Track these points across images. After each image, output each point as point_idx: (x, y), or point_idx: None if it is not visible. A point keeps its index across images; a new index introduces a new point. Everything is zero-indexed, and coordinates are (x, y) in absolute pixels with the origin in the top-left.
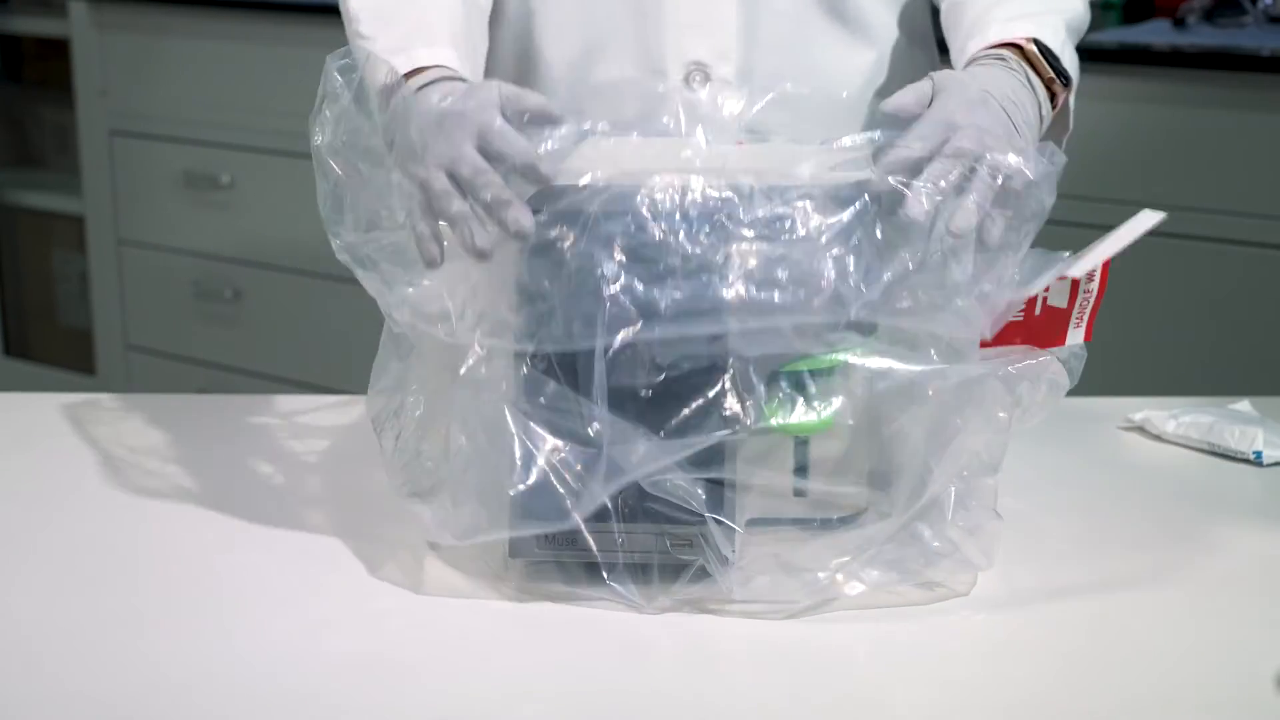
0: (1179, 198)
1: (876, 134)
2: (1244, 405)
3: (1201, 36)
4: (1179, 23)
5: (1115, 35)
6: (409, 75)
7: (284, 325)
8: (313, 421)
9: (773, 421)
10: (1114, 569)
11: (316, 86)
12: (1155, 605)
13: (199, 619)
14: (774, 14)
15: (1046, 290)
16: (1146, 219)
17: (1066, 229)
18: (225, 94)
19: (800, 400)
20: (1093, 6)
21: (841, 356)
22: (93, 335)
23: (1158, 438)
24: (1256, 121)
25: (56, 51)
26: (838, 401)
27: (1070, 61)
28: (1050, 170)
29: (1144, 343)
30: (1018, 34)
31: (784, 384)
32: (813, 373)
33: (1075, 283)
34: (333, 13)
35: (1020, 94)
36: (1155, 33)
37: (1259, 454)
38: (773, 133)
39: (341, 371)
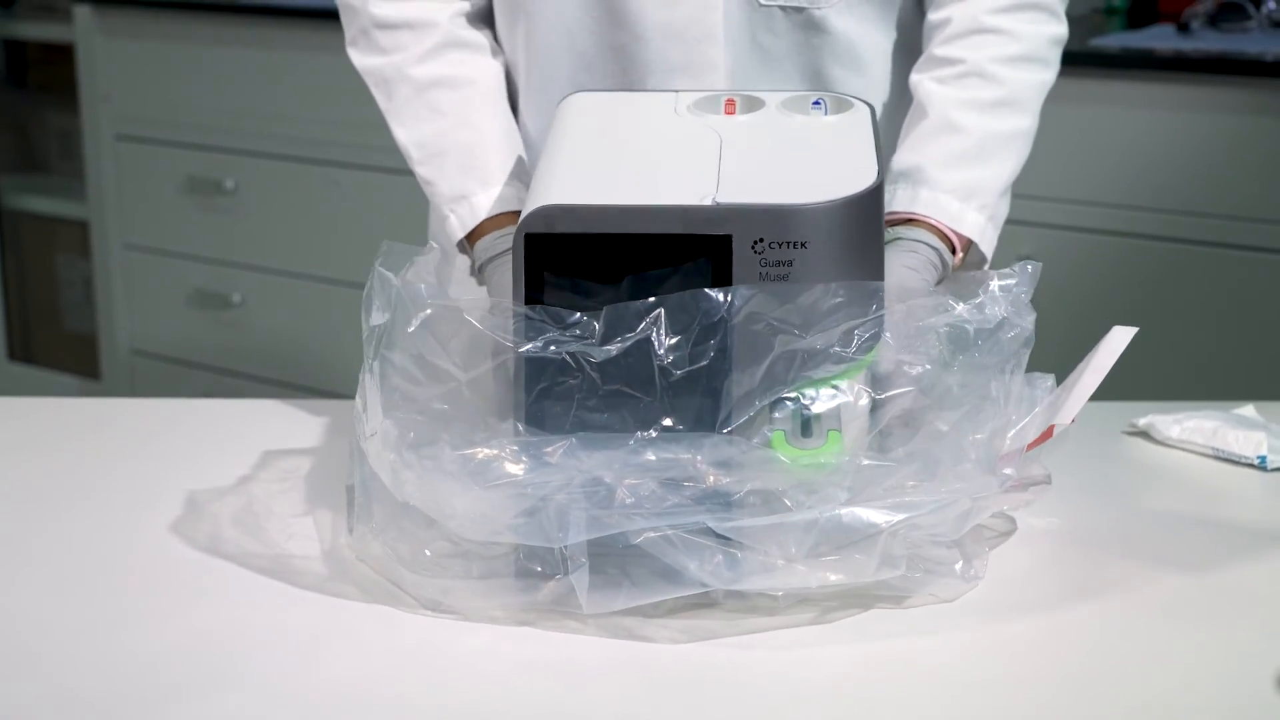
0: (1183, 202)
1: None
2: (1248, 410)
3: (1205, 41)
4: (1183, 28)
5: (1119, 40)
6: (474, 232)
7: (288, 330)
8: (316, 426)
9: (780, 454)
10: (1117, 573)
11: (321, 91)
12: (1159, 609)
13: (200, 623)
14: (762, 53)
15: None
16: (1120, 337)
17: (1071, 233)
18: (229, 99)
19: (804, 426)
20: (1096, 12)
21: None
22: (97, 339)
23: (1162, 442)
24: (1260, 126)
25: (61, 56)
26: (846, 424)
27: (990, 240)
28: (1019, 300)
29: (1148, 347)
30: (941, 220)
31: (788, 409)
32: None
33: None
34: (336, 17)
35: (917, 291)
36: (1159, 38)
37: (1263, 459)
38: (761, 93)
39: (344, 376)
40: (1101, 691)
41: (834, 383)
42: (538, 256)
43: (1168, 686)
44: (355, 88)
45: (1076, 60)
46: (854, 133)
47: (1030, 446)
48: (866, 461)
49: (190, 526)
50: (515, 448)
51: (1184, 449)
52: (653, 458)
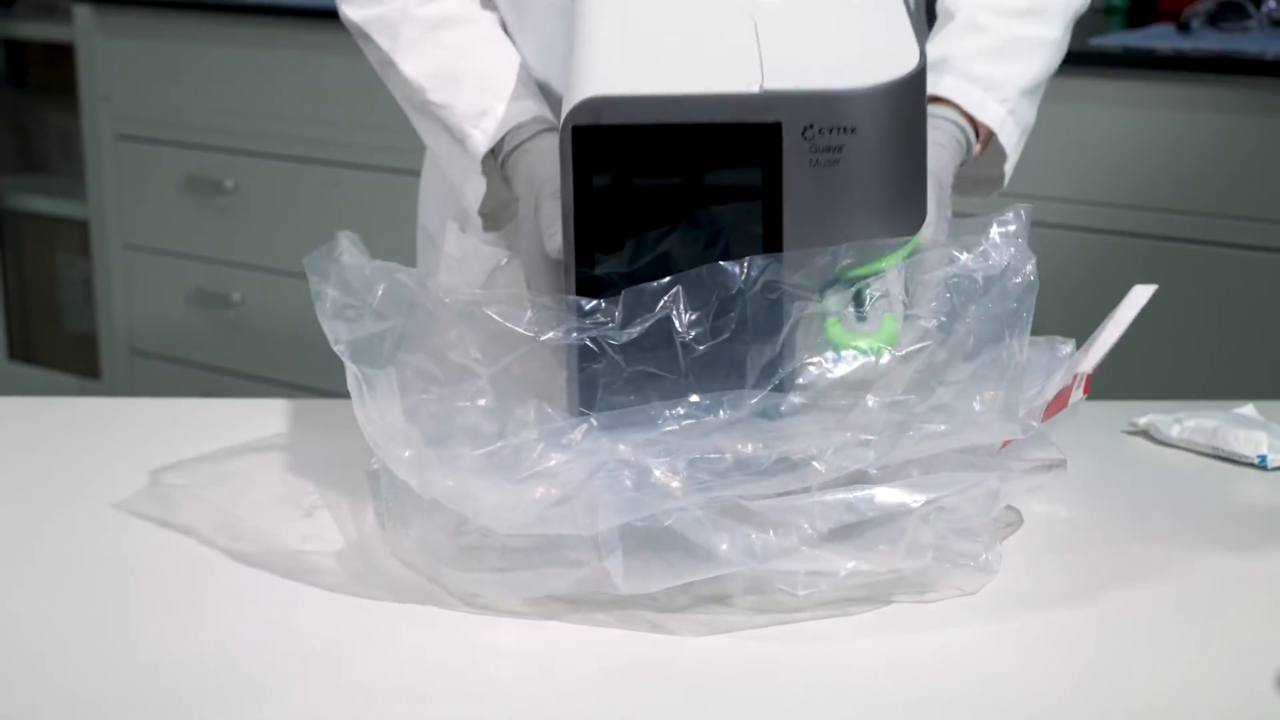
0: (1183, 202)
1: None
2: (1249, 409)
3: (1205, 40)
4: (1183, 27)
5: (1119, 39)
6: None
7: (288, 330)
8: (318, 425)
9: (833, 337)
10: (1118, 573)
11: (321, 91)
12: (1160, 609)
13: (199, 625)
14: None
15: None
16: (1141, 295)
17: (1073, 233)
18: (229, 99)
19: (859, 312)
20: (1096, 11)
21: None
22: (97, 339)
23: (1162, 442)
24: (1261, 125)
25: (61, 56)
26: (889, 296)
27: (1011, 136)
28: (1019, 244)
29: (1148, 347)
30: (964, 102)
31: (843, 293)
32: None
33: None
34: (335, 17)
35: (946, 166)
36: (1159, 37)
37: (1264, 458)
38: None
39: (345, 376)
40: (1100, 689)
41: (885, 268)
42: (584, 152)
43: (1166, 684)
44: (355, 87)
45: (1077, 59)
46: (888, 12)
47: (1052, 405)
48: (890, 405)
49: (197, 527)
50: (537, 437)
51: (1184, 448)
52: (679, 434)
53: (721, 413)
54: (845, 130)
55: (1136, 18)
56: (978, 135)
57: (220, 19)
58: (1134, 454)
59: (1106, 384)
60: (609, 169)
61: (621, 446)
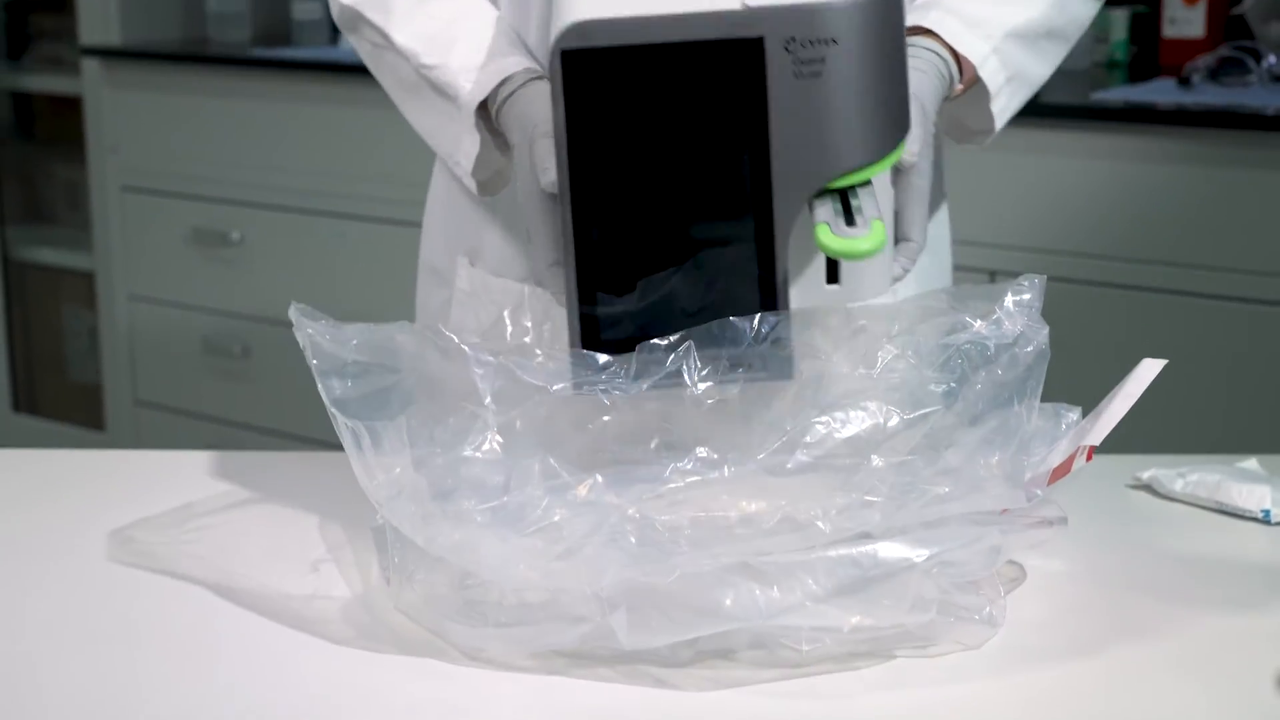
0: (1185, 255)
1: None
2: (1252, 463)
3: (1206, 95)
4: (1184, 82)
5: (1120, 94)
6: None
7: (293, 382)
8: (322, 479)
9: (821, 242)
10: (1122, 627)
11: (326, 144)
12: (1163, 664)
13: (204, 678)
14: None
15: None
16: (1149, 369)
17: (1076, 286)
18: (235, 151)
19: (844, 208)
20: (1097, 65)
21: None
22: (102, 390)
23: (1166, 496)
24: (1262, 179)
25: (68, 108)
26: (877, 203)
27: (994, 75)
28: (1032, 313)
29: (1151, 400)
30: (945, 34)
31: (829, 202)
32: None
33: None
34: (341, 71)
35: (928, 91)
36: (1160, 91)
37: (1267, 512)
38: None
39: None
40: None
41: (871, 175)
42: (574, 76)
43: None
44: (360, 140)
45: (1078, 113)
46: None
47: (1056, 471)
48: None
49: (202, 579)
50: (542, 492)
51: (1187, 503)
52: (684, 490)
53: (727, 469)
54: (827, 42)
55: (1138, 72)
56: (962, 72)
57: (226, 72)
58: (1137, 508)
59: (1109, 438)
60: (598, 91)
61: (626, 502)
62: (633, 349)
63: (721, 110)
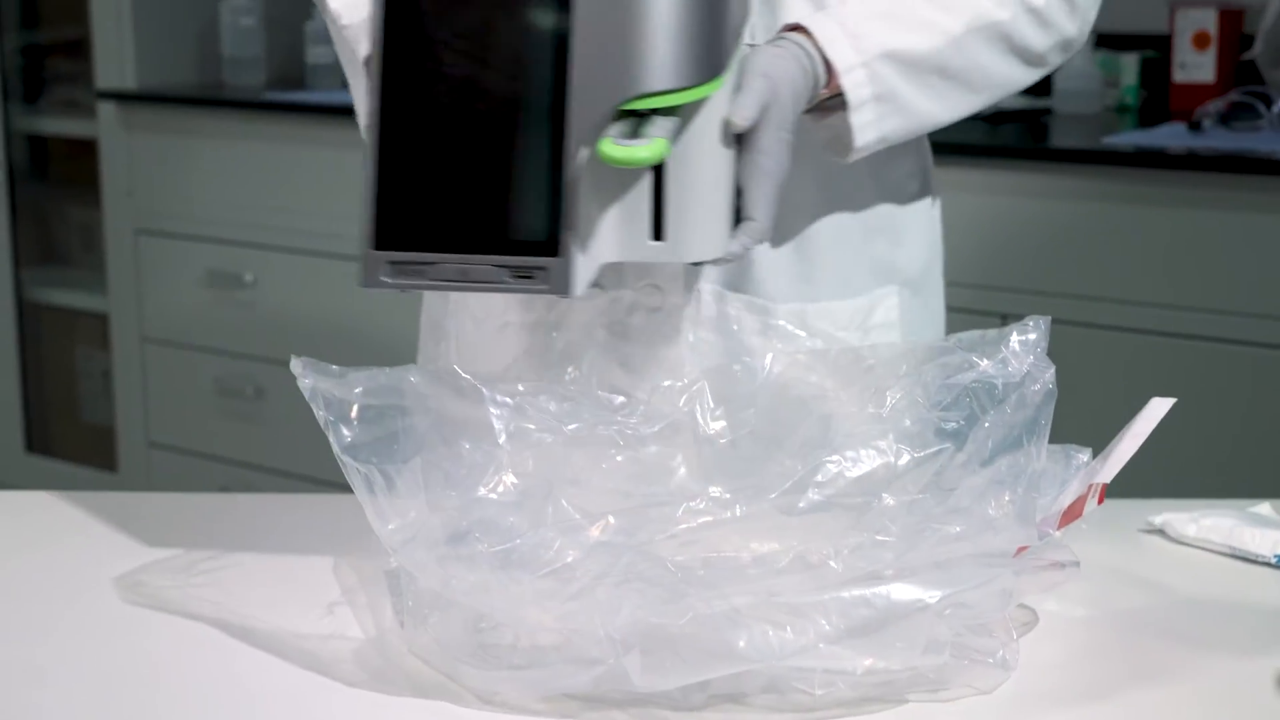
0: (1196, 299)
1: None
2: (1265, 508)
3: (1217, 140)
4: (1194, 126)
5: (1131, 138)
6: None
7: (306, 423)
8: (336, 521)
9: (602, 150)
10: (1134, 672)
11: (338, 186)
12: (1175, 708)
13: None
14: None
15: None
16: (1159, 407)
17: (1086, 329)
18: (249, 194)
19: (637, 132)
20: (1108, 110)
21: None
22: (115, 432)
23: (1179, 541)
24: (1272, 224)
25: (83, 151)
26: (672, 131)
27: (859, 89)
28: (1039, 353)
29: (1163, 445)
30: (819, 34)
31: (626, 123)
32: (661, 109)
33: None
34: (351, 114)
35: (782, 74)
36: (1171, 136)
37: None
38: None
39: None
40: None
41: (668, 103)
42: None
43: None
44: None
45: (1089, 157)
46: None
47: (1068, 514)
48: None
49: (216, 621)
50: (555, 533)
51: (1200, 547)
52: (696, 530)
53: (739, 509)
54: None
55: (1149, 117)
56: (830, 79)
57: (240, 116)
58: (1150, 553)
59: (1122, 483)
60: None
61: (639, 543)
62: (425, 249)
63: (529, 18)
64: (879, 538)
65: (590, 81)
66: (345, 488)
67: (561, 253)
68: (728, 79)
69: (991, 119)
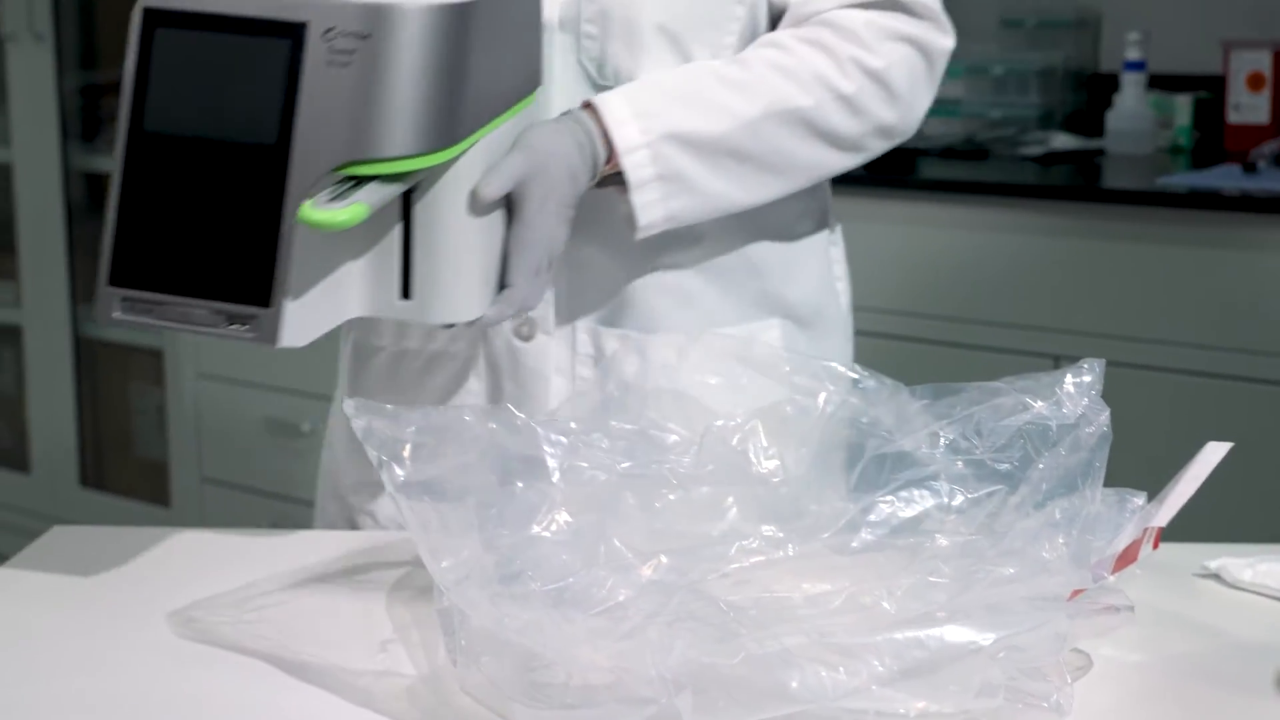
0: (1251, 341)
1: None
2: None
3: (1271, 181)
4: (1249, 167)
5: (1185, 180)
6: None
7: None
8: (388, 557)
9: (302, 211)
10: (1190, 717)
11: None
12: None
13: None
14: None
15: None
16: (1215, 452)
17: (1141, 371)
18: None
19: (345, 195)
20: (1161, 151)
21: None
22: (168, 467)
23: (1235, 586)
24: None
25: None
26: (383, 197)
27: (641, 168)
28: (1093, 396)
29: (1219, 489)
30: (603, 113)
31: (336, 185)
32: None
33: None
34: None
35: (552, 147)
36: (1225, 177)
37: None
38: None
39: None
40: None
41: (382, 171)
42: (149, 29)
43: None
44: None
45: (1143, 199)
46: None
47: (1122, 559)
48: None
49: (266, 657)
50: (607, 572)
51: (1257, 592)
52: (749, 570)
53: (791, 548)
54: (359, 36)
55: (1202, 158)
56: (611, 157)
57: None
58: (1206, 597)
59: (1177, 527)
60: (167, 46)
61: (691, 582)
62: (155, 289)
63: (263, 81)
64: (932, 579)
65: (312, 143)
66: (397, 523)
67: (272, 304)
68: (475, 151)
69: (1043, 160)
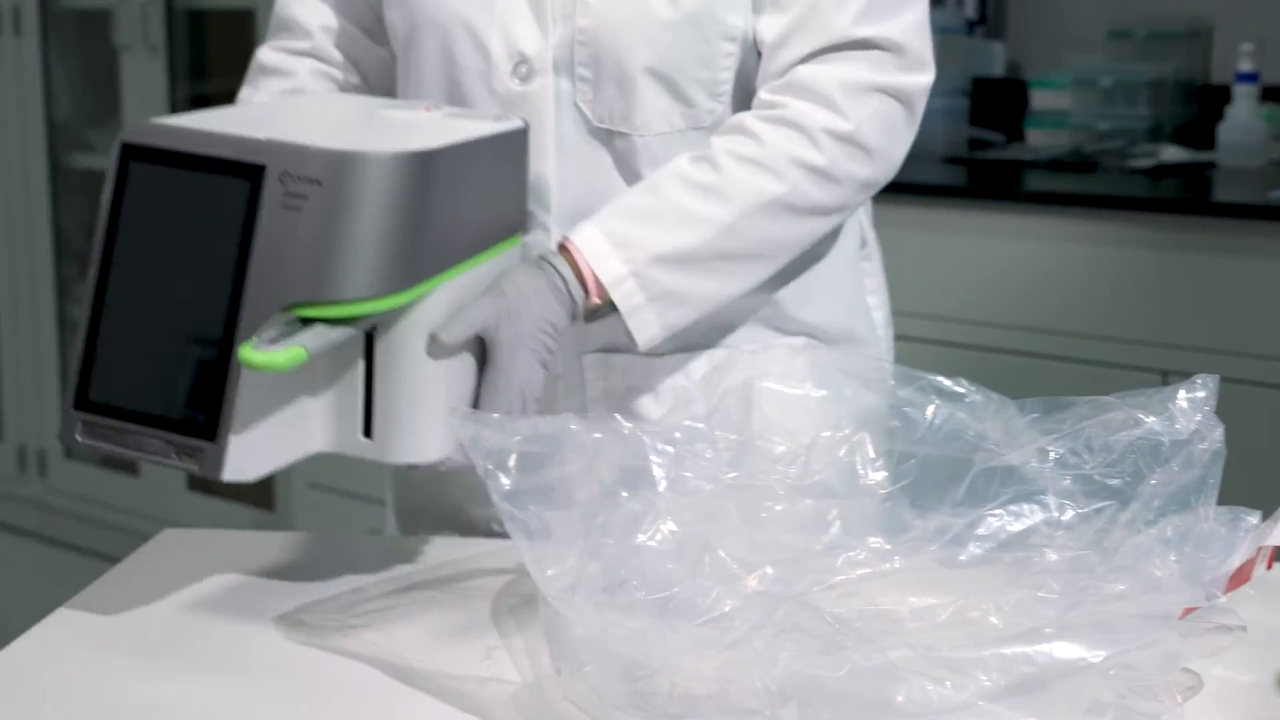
0: None
1: None
2: None
3: None
4: None
5: None
6: None
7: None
8: (492, 565)
9: (241, 352)
10: None
11: None
12: None
13: None
14: (592, 167)
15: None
16: None
17: (1253, 389)
18: None
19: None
20: (1274, 165)
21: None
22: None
23: None
24: None
25: None
26: (327, 340)
27: (631, 297)
28: (1207, 412)
29: None
30: (581, 252)
31: (280, 325)
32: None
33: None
34: None
35: (527, 291)
36: None
37: None
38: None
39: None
40: None
41: (330, 314)
42: (125, 162)
43: None
44: None
45: (1254, 213)
46: (483, 127)
47: (1235, 578)
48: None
49: (374, 662)
50: (712, 582)
51: None
52: (855, 582)
53: (898, 561)
54: (312, 181)
55: None
56: (587, 288)
57: None
58: None
59: None
60: (140, 181)
61: (796, 593)
62: (114, 416)
63: (222, 220)
64: (1040, 594)
65: (264, 283)
66: (502, 532)
67: (218, 439)
68: (441, 294)
69: (1152, 173)
